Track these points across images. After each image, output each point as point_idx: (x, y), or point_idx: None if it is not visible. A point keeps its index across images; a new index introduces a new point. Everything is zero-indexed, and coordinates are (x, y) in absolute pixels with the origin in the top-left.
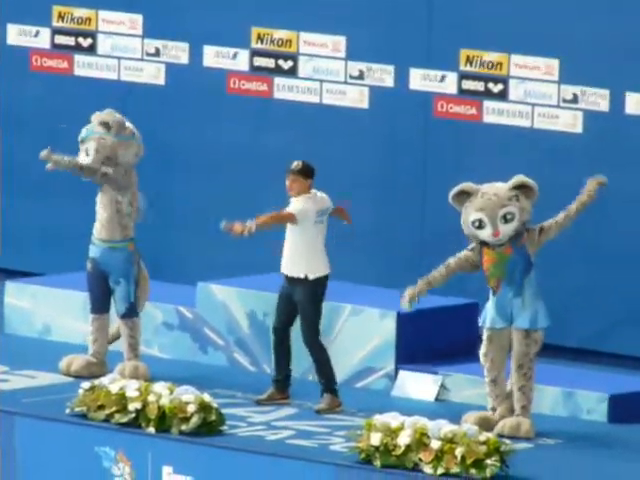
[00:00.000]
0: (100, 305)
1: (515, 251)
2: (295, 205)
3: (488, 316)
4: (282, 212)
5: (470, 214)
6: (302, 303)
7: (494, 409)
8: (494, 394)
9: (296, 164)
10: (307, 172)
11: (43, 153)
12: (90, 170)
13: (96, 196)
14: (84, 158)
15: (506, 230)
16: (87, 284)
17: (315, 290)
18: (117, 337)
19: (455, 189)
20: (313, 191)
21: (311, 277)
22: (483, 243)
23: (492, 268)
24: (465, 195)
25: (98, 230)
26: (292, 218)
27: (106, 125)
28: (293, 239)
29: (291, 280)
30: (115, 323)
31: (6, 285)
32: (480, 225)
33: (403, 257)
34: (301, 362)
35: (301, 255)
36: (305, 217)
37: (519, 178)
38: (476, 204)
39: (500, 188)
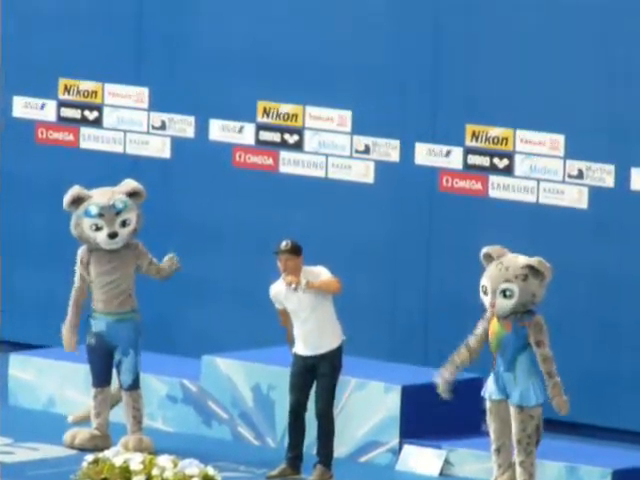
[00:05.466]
0: (103, 378)
1: (514, 330)
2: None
3: (488, 387)
4: (333, 281)
5: (482, 278)
6: (325, 375)
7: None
8: (497, 463)
9: (286, 243)
10: (298, 250)
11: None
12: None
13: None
14: (119, 229)
15: (502, 305)
16: (88, 358)
17: (339, 358)
18: (117, 400)
19: (483, 250)
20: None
21: (335, 347)
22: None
23: (491, 338)
24: (490, 258)
25: (105, 304)
26: (340, 287)
27: (139, 194)
28: (321, 315)
29: (313, 357)
30: (114, 385)
31: (10, 357)
32: (485, 292)
33: (407, 329)
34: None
35: (326, 330)
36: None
37: (532, 261)
38: (489, 270)
39: (514, 262)
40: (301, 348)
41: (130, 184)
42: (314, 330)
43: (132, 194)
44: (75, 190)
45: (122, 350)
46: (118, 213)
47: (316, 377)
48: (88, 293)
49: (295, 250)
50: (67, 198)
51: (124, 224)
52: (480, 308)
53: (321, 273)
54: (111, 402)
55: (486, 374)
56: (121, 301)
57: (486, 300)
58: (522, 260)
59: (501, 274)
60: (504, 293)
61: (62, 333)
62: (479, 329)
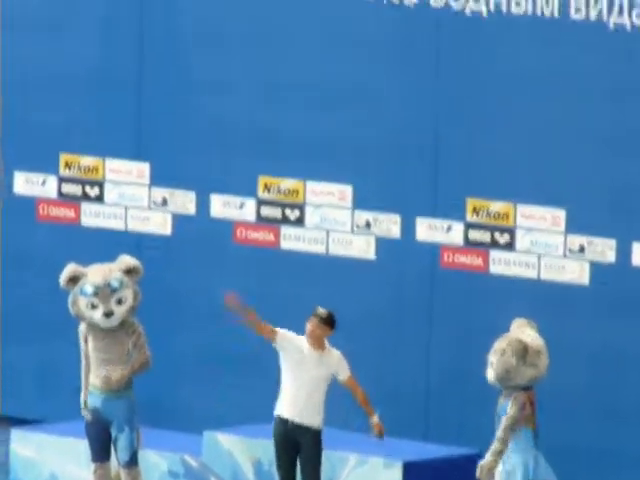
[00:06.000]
0: (102, 454)
1: (505, 403)
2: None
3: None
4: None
5: None
6: (310, 457)
7: None
8: None
9: (324, 311)
10: (331, 322)
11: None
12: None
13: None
14: (115, 307)
15: (488, 374)
16: (86, 433)
17: (320, 441)
18: None
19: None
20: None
21: (321, 426)
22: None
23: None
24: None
25: (101, 380)
26: (273, 334)
27: (136, 271)
28: (316, 387)
29: (299, 427)
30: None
31: (12, 433)
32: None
33: (408, 405)
34: None
35: (317, 403)
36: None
37: (510, 336)
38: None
39: (506, 336)
40: (285, 408)
41: (126, 261)
42: (306, 399)
43: (128, 271)
44: (70, 268)
45: (117, 427)
46: (113, 291)
47: (299, 452)
48: None
49: (328, 321)
50: (63, 277)
51: (120, 302)
52: (483, 382)
53: (341, 364)
54: None
55: (483, 449)
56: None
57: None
58: (529, 335)
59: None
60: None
61: (82, 405)
62: None
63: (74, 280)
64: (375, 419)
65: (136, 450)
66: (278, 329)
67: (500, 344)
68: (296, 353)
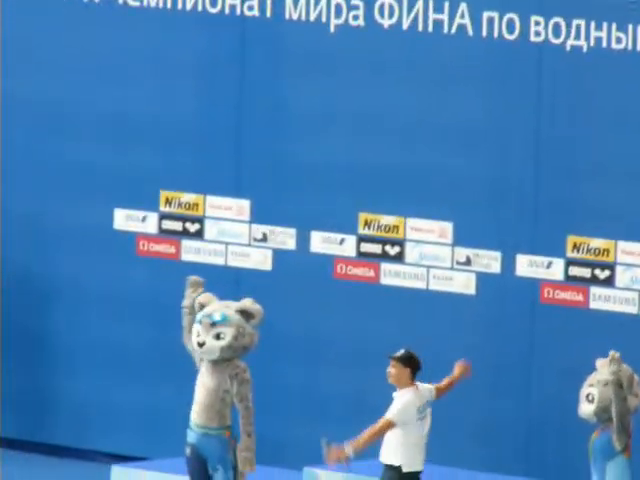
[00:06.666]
0: None
1: (601, 435)
2: (393, 408)
3: None
4: (378, 424)
5: None
6: None
7: None
8: None
9: (400, 351)
10: (407, 361)
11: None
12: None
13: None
14: (210, 340)
15: (582, 409)
16: (187, 469)
17: None
18: None
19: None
20: (416, 383)
21: (405, 470)
22: None
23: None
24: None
25: (197, 414)
26: (391, 425)
27: (251, 314)
28: (394, 432)
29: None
30: None
31: (112, 469)
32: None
33: (508, 443)
34: None
35: (398, 444)
36: (405, 417)
37: (621, 375)
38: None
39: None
40: (413, 461)
41: (245, 302)
42: (425, 443)
43: (242, 312)
44: (202, 296)
45: (212, 465)
46: (213, 324)
47: None
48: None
49: (403, 360)
50: (198, 300)
51: (218, 337)
52: (580, 420)
53: (429, 388)
54: None
55: None
56: (209, 416)
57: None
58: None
59: (588, 380)
60: (587, 397)
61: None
62: None
63: (201, 308)
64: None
65: None
66: (390, 419)
67: (600, 377)
68: (414, 414)
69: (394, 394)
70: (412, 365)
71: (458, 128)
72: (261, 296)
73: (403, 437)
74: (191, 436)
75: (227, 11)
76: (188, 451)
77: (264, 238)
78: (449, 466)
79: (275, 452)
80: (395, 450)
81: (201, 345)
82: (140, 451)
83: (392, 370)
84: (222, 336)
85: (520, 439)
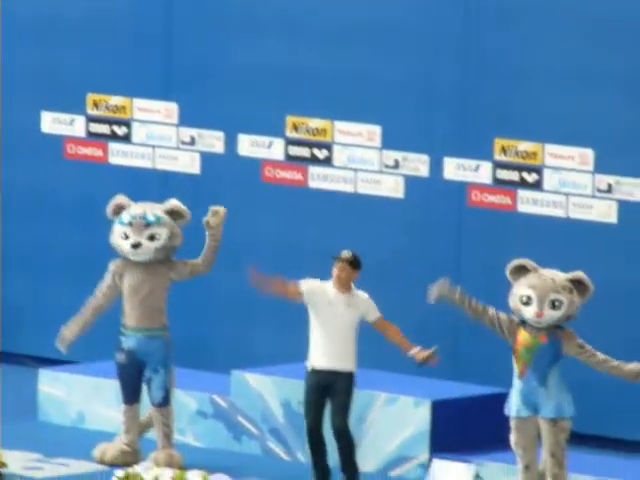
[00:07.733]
0: (133, 395)
1: (549, 341)
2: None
3: (513, 405)
4: (395, 327)
5: (521, 288)
6: (341, 393)
7: None
8: None
9: (347, 253)
10: (356, 264)
11: None
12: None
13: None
14: (143, 241)
15: (550, 315)
16: (118, 375)
17: (353, 383)
18: (149, 426)
19: (515, 262)
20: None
21: (354, 369)
22: (522, 323)
23: (523, 350)
24: (523, 271)
25: (135, 319)
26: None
27: (180, 214)
28: (348, 331)
29: (333, 373)
30: (146, 412)
31: (40, 373)
32: (527, 302)
33: (436, 343)
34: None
35: (349, 347)
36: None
37: (579, 274)
38: (531, 280)
39: (558, 275)
40: (319, 358)
41: (173, 203)
42: (339, 344)
43: (171, 212)
44: (118, 198)
45: (152, 367)
46: (147, 225)
47: (330, 395)
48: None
49: (353, 263)
50: (110, 206)
51: (152, 238)
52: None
53: (369, 305)
54: (142, 429)
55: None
56: (151, 317)
57: (528, 310)
58: (566, 275)
59: (548, 284)
60: (553, 303)
61: (57, 341)
62: (502, 314)
63: (119, 210)
64: (416, 349)
65: (169, 390)
66: (302, 286)
67: (561, 282)
68: (324, 302)
69: (356, 298)
70: (358, 267)
71: (386, 32)
72: (189, 199)
73: (354, 337)
74: (127, 342)
75: None
76: (123, 357)
77: (192, 141)
78: (376, 369)
79: (202, 355)
80: (348, 352)
81: (136, 246)
82: (69, 355)
83: (343, 274)
84: (157, 237)
85: (447, 342)
